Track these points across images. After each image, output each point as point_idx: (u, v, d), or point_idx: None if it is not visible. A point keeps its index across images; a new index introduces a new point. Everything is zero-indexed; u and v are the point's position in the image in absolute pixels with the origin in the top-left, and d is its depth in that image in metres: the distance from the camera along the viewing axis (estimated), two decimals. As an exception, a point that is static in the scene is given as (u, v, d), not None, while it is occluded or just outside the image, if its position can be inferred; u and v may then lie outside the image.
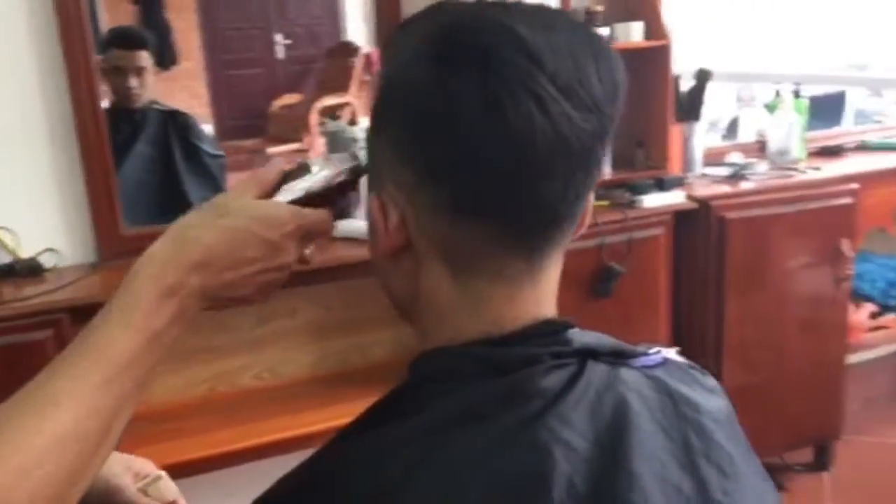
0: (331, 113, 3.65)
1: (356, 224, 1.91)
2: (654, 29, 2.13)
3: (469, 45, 0.59)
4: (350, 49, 3.96)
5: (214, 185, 2.48)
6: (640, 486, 0.58)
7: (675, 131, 2.24)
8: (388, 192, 0.64)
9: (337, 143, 2.08)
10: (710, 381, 0.72)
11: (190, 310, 0.65)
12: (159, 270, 0.64)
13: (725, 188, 2.22)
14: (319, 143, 3.37)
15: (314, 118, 3.47)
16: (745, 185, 2.24)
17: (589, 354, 0.64)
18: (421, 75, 0.61)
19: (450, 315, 0.65)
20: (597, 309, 2.02)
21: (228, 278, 0.67)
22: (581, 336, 0.66)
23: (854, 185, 2.25)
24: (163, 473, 0.95)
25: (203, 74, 3.36)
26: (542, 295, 0.66)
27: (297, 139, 3.42)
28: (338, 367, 2.14)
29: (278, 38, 3.94)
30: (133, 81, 2.26)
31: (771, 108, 2.51)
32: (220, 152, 2.60)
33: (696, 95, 2.24)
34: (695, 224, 2.13)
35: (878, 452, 2.59)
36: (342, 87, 3.73)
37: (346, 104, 3.57)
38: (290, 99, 3.84)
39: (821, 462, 2.44)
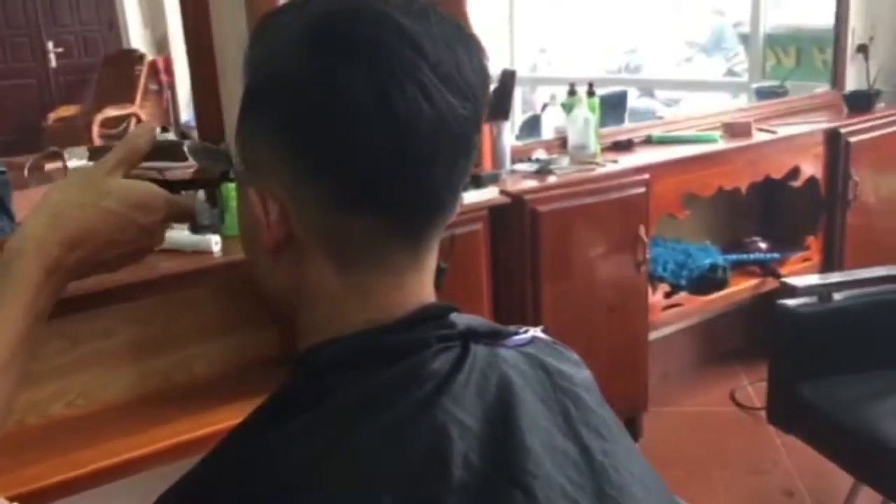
0: (114, 124, 3.47)
1: (177, 235, 1.84)
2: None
3: (350, 36, 0.60)
4: (133, 57, 3.78)
5: (-1, 204, 2.28)
6: (533, 456, 0.61)
7: (485, 130, 2.33)
8: (267, 186, 0.63)
9: (166, 157, 1.98)
10: (574, 355, 0.77)
11: (64, 284, 0.67)
12: (42, 248, 0.65)
13: (534, 183, 2.34)
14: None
15: (96, 130, 3.30)
16: (551, 180, 2.37)
17: (470, 336, 0.67)
18: (297, 68, 0.60)
19: (337, 307, 0.65)
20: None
21: (101, 257, 0.69)
22: (461, 319, 0.69)
23: (646, 176, 2.45)
24: None
25: None
26: (426, 280, 0.68)
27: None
28: (160, 386, 2.03)
29: (49, 45, 3.71)
30: None
31: (567, 107, 2.67)
32: (2, 168, 2.40)
33: (504, 95, 2.34)
34: (509, 218, 2.23)
35: (678, 421, 2.83)
36: (126, 97, 3.57)
37: (132, 115, 3.42)
38: (66, 111, 3.63)
39: (632, 433, 2.63)
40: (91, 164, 0.73)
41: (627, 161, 2.55)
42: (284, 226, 0.63)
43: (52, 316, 1.75)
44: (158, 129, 0.74)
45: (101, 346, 1.92)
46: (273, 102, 0.62)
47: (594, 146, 2.58)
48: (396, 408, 0.60)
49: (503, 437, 0.61)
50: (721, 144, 2.76)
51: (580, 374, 0.73)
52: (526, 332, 0.74)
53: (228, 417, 1.91)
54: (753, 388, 2.99)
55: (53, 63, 3.78)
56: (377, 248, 0.64)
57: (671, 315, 2.76)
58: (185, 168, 0.71)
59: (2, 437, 1.85)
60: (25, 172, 2.57)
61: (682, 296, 2.76)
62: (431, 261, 0.68)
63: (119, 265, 0.72)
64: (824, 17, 3.47)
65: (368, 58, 0.59)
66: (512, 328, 0.73)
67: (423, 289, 0.67)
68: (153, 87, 3.70)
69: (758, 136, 2.85)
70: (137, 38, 3.80)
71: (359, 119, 0.58)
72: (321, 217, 0.62)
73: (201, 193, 1.62)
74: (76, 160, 0.78)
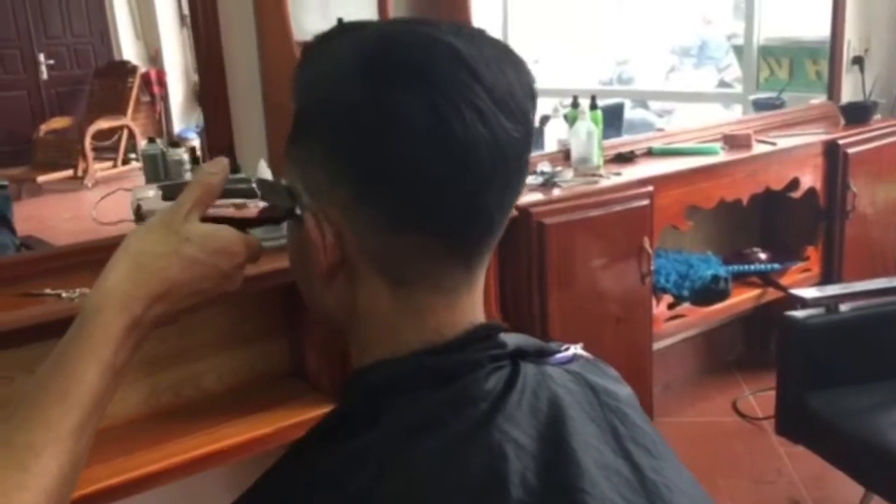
0: (106, 136, 3.46)
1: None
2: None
3: (406, 60, 0.60)
4: (125, 69, 3.77)
5: (1, 218, 2.28)
6: (587, 474, 0.62)
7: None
8: (322, 209, 0.64)
9: (158, 167, 1.98)
10: (613, 372, 0.78)
11: (144, 339, 0.64)
12: (125, 303, 0.62)
13: (540, 196, 2.35)
14: (96, 169, 3.19)
15: (88, 142, 3.28)
16: (556, 192, 2.38)
17: (519, 355, 0.68)
18: (353, 92, 0.61)
19: (390, 328, 0.66)
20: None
21: (182, 306, 0.66)
22: (510, 338, 0.69)
23: (650, 188, 2.46)
24: None
25: None
26: (477, 300, 0.69)
27: (70, 165, 3.21)
28: (171, 401, 2.03)
29: (41, 57, 3.69)
30: None
31: (570, 119, 2.69)
32: (4, 182, 2.41)
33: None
34: (516, 230, 2.24)
35: (682, 431, 2.85)
36: (117, 109, 3.55)
37: (123, 126, 3.41)
38: (57, 123, 3.61)
39: (637, 444, 2.63)
40: (165, 204, 0.69)
41: (631, 173, 2.57)
42: (339, 248, 0.64)
43: (61, 333, 1.76)
44: (226, 168, 0.72)
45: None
46: (329, 127, 0.62)
47: (598, 159, 2.60)
48: (453, 428, 0.60)
49: (557, 455, 0.62)
50: (723, 156, 2.79)
51: (623, 390, 0.74)
52: (567, 349, 0.75)
53: (239, 432, 1.91)
54: (755, 397, 3.01)
55: (45, 75, 3.75)
56: (431, 268, 0.64)
57: (674, 326, 2.77)
58: (254, 206, 0.70)
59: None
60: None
61: (685, 307, 2.77)
62: (482, 280, 0.69)
63: (195, 311, 0.70)
64: (817, 29, 3.51)
65: (425, 82, 0.59)
66: (554, 345, 0.74)
67: (474, 308, 0.68)
68: (145, 98, 3.69)
69: (758, 148, 2.87)
70: (129, 50, 3.79)
71: (417, 143, 0.59)
72: (376, 239, 0.63)
73: None
74: (150, 201, 0.72)
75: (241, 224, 0.70)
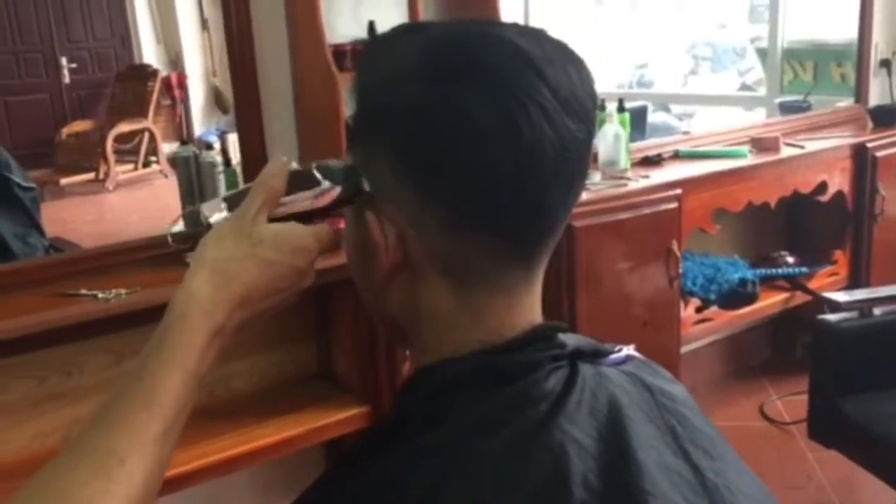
0: (127, 139, 3.49)
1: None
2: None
3: (473, 60, 0.60)
4: (146, 72, 3.79)
5: (28, 219, 2.31)
6: (648, 475, 0.61)
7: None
8: (385, 209, 0.64)
9: (190, 169, 2.00)
10: (666, 372, 0.77)
11: (226, 345, 0.64)
12: (209, 310, 0.63)
13: (569, 198, 2.34)
14: (117, 171, 3.22)
15: (110, 145, 3.31)
16: (585, 195, 2.38)
17: (577, 356, 0.68)
18: (420, 92, 0.61)
19: (451, 328, 0.66)
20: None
21: (261, 308, 0.66)
22: (569, 338, 0.69)
23: (678, 191, 2.46)
24: None
25: None
26: (536, 300, 0.69)
27: (91, 168, 3.24)
28: (203, 401, 2.04)
29: (63, 61, 3.72)
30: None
31: (598, 122, 2.68)
32: (32, 184, 2.42)
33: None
34: (546, 233, 2.23)
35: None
36: (138, 112, 3.57)
37: (145, 129, 3.43)
38: (79, 126, 3.63)
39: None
40: (228, 213, 0.69)
41: (659, 176, 2.56)
42: (401, 249, 0.64)
43: (96, 333, 1.76)
44: (290, 163, 0.71)
45: (145, 361, 1.94)
46: (394, 127, 0.62)
47: (625, 162, 2.59)
48: (515, 428, 0.60)
49: (618, 456, 0.61)
50: (751, 159, 2.77)
51: (679, 391, 0.73)
52: (620, 350, 0.75)
53: (269, 433, 1.92)
54: (783, 402, 2.99)
55: (67, 78, 3.77)
56: (492, 268, 0.64)
57: (701, 329, 2.76)
58: (316, 196, 0.70)
59: (45, 454, 1.86)
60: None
61: (712, 310, 2.76)
62: (541, 281, 0.69)
63: (273, 312, 0.69)
64: (842, 32, 3.49)
65: (493, 82, 0.59)
66: (608, 346, 0.74)
67: (533, 309, 0.68)
68: (165, 102, 3.72)
69: (786, 151, 2.85)
70: (150, 53, 3.82)
71: (483, 143, 0.59)
72: (439, 239, 0.63)
73: None
74: (216, 213, 0.72)
75: (309, 217, 0.70)
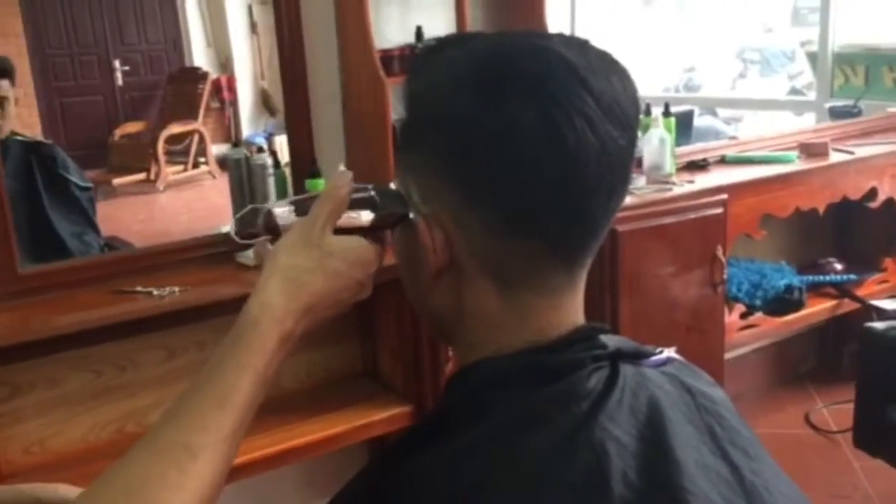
0: (178, 140, 3.56)
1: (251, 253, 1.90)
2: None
3: (520, 70, 0.63)
4: (197, 75, 3.86)
5: (85, 219, 2.38)
6: (688, 473, 0.63)
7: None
8: (432, 213, 0.66)
9: (242, 171, 2.05)
10: (707, 376, 0.78)
11: (292, 351, 0.67)
12: (280, 319, 0.66)
13: (613, 203, 2.34)
14: (167, 172, 3.29)
15: (161, 146, 3.37)
16: (630, 200, 2.38)
17: (618, 356, 0.69)
18: (468, 101, 0.63)
19: (496, 327, 0.68)
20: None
21: (323, 316, 0.69)
22: (610, 339, 0.71)
23: (724, 196, 2.44)
24: None
25: (35, 102, 3.20)
26: (579, 302, 0.71)
27: (143, 168, 3.31)
28: (250, 397, 2.09)
29: (116, 63, 3.78)
30: (-8, 112, 2.15)
31: (643, 126, 2.68)
32: (89, 184, 2.49)
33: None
34: (589, 237, 2.24)
35: (753, 441, 2.80)
36: (189, 114, 3.64)
37: (195, 131, 3.49)
38: (131, 127, 3.70)
39: (707, 454, 2.61)
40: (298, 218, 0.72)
41: (704, 181, 2.55)
42: (448, 251, 0.66)
43: (151, 329, 1.81)
44: (351, 181, 0.74)
45: (197, 357, 1.99)
46: (443, 135, 0.65)
47: (670, 166, 2.59)
48: (556, 425, 0.62)
49: (657, 454, 0.63)
50: (798, 165, 2.75)
51: (718, 393, 0.75)
52: (661, 352, 0.76)
53: (314, 430, 1.97)
54: (829, 410, 2.96)
55: (120, 81, 3.85)
56: (537, 270, 0.67)
57: (746, 336, 2.73)
58: (372, 213, 0.73)
59: (99, 446, 1.91)
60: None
61: (758, 316, 2.74)
62: (583, 283, 0.71)
63: (331, 321, 0.72)
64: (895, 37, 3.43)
65: (539, 92, 0.62)
66: (649, 348, 0.76)
67: (576, 310, 0.70)
68: (215, 104, 3.79)
69: (835, 157, 2.82)
70: (201, 56, 3.90)
71: (529, 150, 0.62)
72: (485, 242, 0.65)
73: None
74: (282, 214, 0.75)
75: (363, 233, 0.72)
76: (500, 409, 0.64)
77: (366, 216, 0.72)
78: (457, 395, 0.69)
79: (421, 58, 0.71)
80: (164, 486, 0.59)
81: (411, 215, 0.68)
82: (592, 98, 0.62)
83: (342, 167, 2.03)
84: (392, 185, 0.72)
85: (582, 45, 0.66)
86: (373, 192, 0.72)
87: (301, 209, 0.73)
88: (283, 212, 0.73)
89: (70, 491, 0.99)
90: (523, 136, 0.61)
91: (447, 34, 0.71)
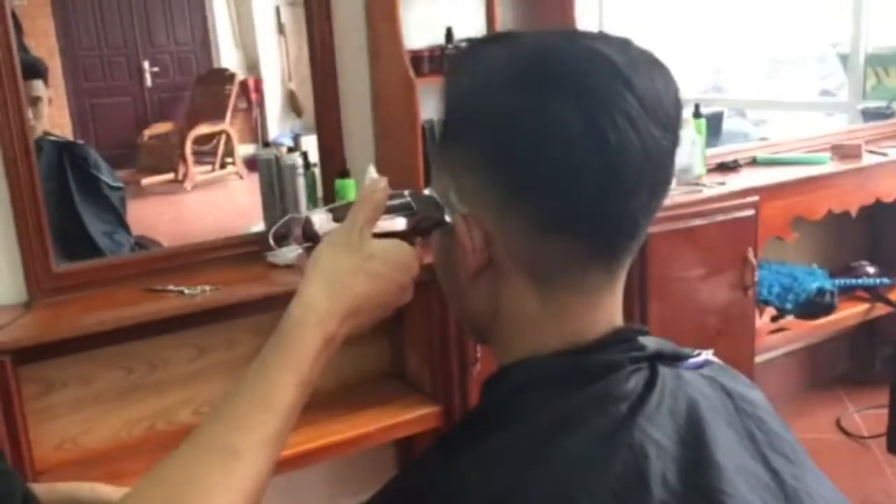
0: (205, 141, 3.58)
1: (290, 253, 1.91)
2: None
3: (563, 69, 0.62)
4: (224, 76, 3.89)
5: (116, 218, 2.40)
6: (727, 477, 0.62)
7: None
8: (472, 212, 0.66)
9: (272, 171, 2.05)
10: (746, 378, 0.77)
11: (335, 352, 0.67)
12: (324, 320, 0.66)
13: (642, 204, 2.33)
14: (195, 172, 3.31)
15: (189, 147, 3.39)
16: (659, 201, 2.36)
17: (657, 358, 0.69)
18: (511, 100, 0.63)
19: (533, 328, 0.67)
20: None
21: (365, 320, 0.69)
22: (649, 341, 0.70)
23: (755, 198, 2.42)
24: None
25: (65, 103, 3.23)
26: (617, 303, 0.70)
27: (171, 169, 3.33)
28: (279, 396, 2.10)
29: (145, 65, 3.81)
30: (28, 112, 2.17)
31: (674, 128, 2.66)
32: (120, 184, 2.51)
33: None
34: (618, 239, 2.22)
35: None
36: (216, 115, 3.66)
37: (222, 132, 3.51)
38: (160, 128, 3.73)
39: (736, 459, 2.58)
40: (336, 224, 0.72)
41: (735, 183, 2.53)
42: (487, 251, 0.66)
43: (182, 327, 1.83)
44: (387, 186, 0.74)
45: (226, 355, 2.01)
46: (484, 134, 0.64)
47: (700, 168, 2.57)
48: (595, 426, 0.62)
49: (697, 457, 0.62)
50: (831, 167, 2.71)
51: (758, 396, 0.74)
52: (699, 354, 0.76)
53: (343, 429, 1.97)
54: (861, 415, 2.92)
55: (149, 82, 3.88)
56: (576, 270, 0.66)
57: (776, 339, 2.71)
58: (409, 218, 0.73)
59: (130, 443, 1.93)
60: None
61: (788, 320, 2.71)
62: (622, 284, 0.70)
63: (375, 324, 0.72)
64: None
65: (581, 91, 0.61)
66: (687, 350, 0.75)
67: (614, 311, 0.70)
68: (242, 105, 3.81)
69: (868, 159, 2.78)
70: (228, 57, 3.92)
71: (571, 149, 0.61)
72: (524, 242, 0.65)
73: None
74: (320, 221, 0.75)
75: (402, 237, 0.72)
76: (538, 411, 0.64)
77: (402, 222, 0.72)
78: (496, 395, 0.69)
79: (462, 56, 0.70)
80: (210, 487, 0.59)
81: (447, 219, 0.68)
82: (635, 97, 0.61)
83: (372, 167, 2.04)
84: (427, 192, 0.71)
85: (624, 44, 0.65)
86: (409, 198, 0.72)
87: (339, 216, 0.73)
88: (320, 219, 0.73)
89: (106, 490, 0.99)
90: (564, 135, 0.61)
91: (488, 34, 0.70)
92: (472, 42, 0.70)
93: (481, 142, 0.65)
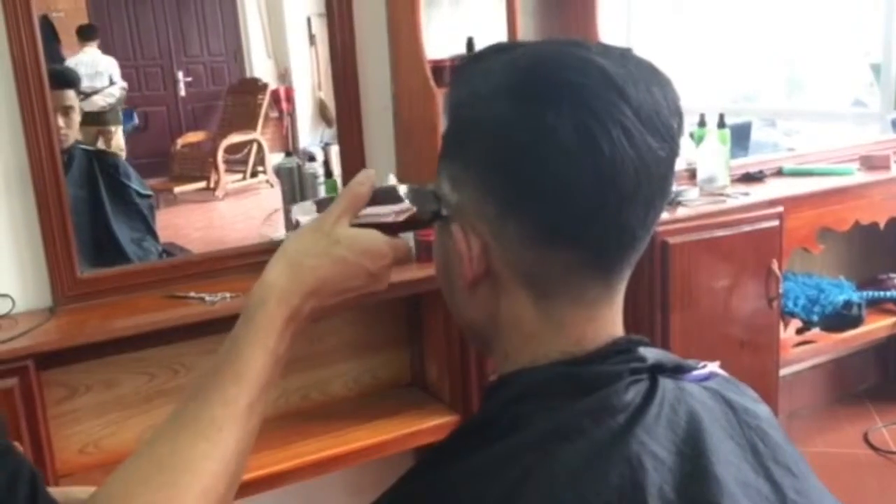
0: (237, 150, 3.62)
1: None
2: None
3: (558, 81, 0.63)
4: (256, 86, 3.93)
5: (145, 225, 2.43)
6: (726, 491, 0.62)
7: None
8: (469, 222, 0.66)
9: (294, 179, 2.08)
10: (752, 392, 0.77)
11: (300, 331, 0.71)
12: (284, 297, 0.69)
13: (665, 215, 2.32)
14: (227, 181, 3.34)
15: (221, 155, 3.43)
16: (682, 212, 2.35)
17: (658, 370, 0.68)
18: (506, 111, 0.63)
19: (532, 338, 0.68)
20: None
21: (332, 302, 0.72)
22: (650, 352, 0.70)
23: (780, 209, 2.40)
24: None
25: None
26: (616, 314, 0.70)
27: (203, 177, 3.37)
28: (299, 403, 2.12)
29: (179, 75, 3.86)
30: (60, 122, 2.20)
31: (697, 137, 2.65)
32: (150, 192, 2.55)
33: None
34: (640, 249, 2.22)
35: (809, 461, 2.70)
36: (248, 124, 3.70)
37: (253, 141, 3.55)
38: (193, 137, 3.77)
39: (760, 472, 2.55)
40: (318, 215, 0.76)
41: (760, 193, 2.51)
42: (484, 260, 0.66)
43: (202, 334, 1.85)
44: (374, 179, 0.76)
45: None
46: (481, 144, 0.65)
47: (725, 178, 2.55)
48: (592, 437, 0.62)
49: (695, 470, 0.62)
50: (858, 177, 2.68)
51: (763, 410, 0.73)
52: (704, 366, 0.75)
53: (362, 437, 1.98)
54: (888, 430, 2.87)
55: (183, 91, 3.93)
56: (574, 281, 0.66)
57: (802, 352, 2.67)
58: (400, 211, 0.74)
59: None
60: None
61: (814, 332, 2.67)
62: (622, 295, 0.70)
63: (343, 309, 0.75)
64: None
65: (576, 102, 0.61)
66: (691, 362, 0.74)
67: (613, 322, 0.69)
68: (273, 114, 3.85)
69: (897, 170, 2.75)
70: (260, 67, 3.97)
71: (565, 160, 0.61)
72: (522, 252, 0.65)
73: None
74: (307, 215, 0.80)
75: (391, 229, 0.74)
76: (535, 421, 0.64)
77: (387, 213, 0.73)
78: (494, 405, 0.69)
79: (462, 68, 0.71)
80: (196, 456, 0.63)
81: (444, 212, 0.69)
82: (630, 108, 0.61)
83: (392, 176, 2.05)
84: (429, 185, 0.72)
85: (622, 55, 0.65)
86: (401, 191, 0.73)
87: (322, 208, 0.76)
88: (306, 211, 0.77)
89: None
90: (559, 146, 0.61)
91: (490, 44, 0.71)
92: (474, 54, 0.71)
93: (477, 152, 0.65)
